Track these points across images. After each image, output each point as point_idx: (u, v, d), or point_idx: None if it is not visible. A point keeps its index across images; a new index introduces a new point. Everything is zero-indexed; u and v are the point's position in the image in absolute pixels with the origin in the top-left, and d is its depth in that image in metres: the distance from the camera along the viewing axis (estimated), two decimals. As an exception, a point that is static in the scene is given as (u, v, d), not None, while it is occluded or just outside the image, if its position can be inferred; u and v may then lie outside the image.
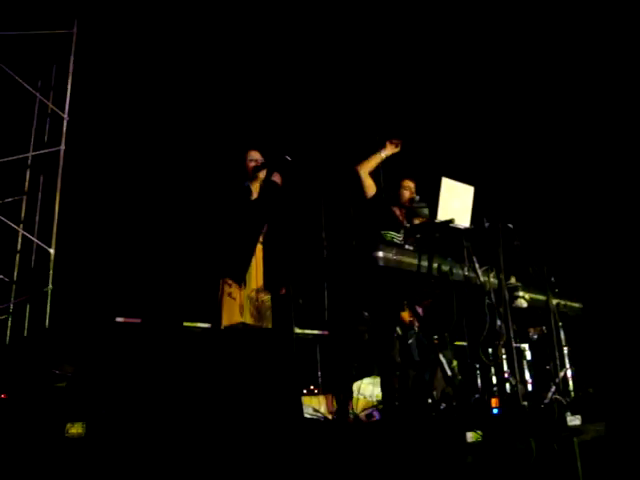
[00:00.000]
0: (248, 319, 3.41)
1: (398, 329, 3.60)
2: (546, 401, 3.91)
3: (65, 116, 5.54)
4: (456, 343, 4.11)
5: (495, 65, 7.05)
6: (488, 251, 3.75)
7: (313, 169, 7.04)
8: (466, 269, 3.57)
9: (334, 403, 5.36)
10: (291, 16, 6.31)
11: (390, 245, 3.24)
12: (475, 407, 3.63)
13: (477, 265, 3.60)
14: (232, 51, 6.26)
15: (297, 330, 5.46)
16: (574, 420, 3.28)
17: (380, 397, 4.26)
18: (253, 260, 3.50)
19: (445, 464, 2.65)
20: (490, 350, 3.99)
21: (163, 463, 2.63)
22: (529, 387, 4.54)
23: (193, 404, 3.37)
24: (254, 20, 6.20)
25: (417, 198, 3.93)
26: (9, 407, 3.60)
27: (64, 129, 5.53)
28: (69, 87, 5.56)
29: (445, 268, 3.40)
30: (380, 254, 3.13)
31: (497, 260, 3.63)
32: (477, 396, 4.16)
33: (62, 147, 5.48)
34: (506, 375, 3.75)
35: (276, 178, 3.62)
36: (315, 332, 6.08)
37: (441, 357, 3.51)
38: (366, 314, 3.64)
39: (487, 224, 3.77)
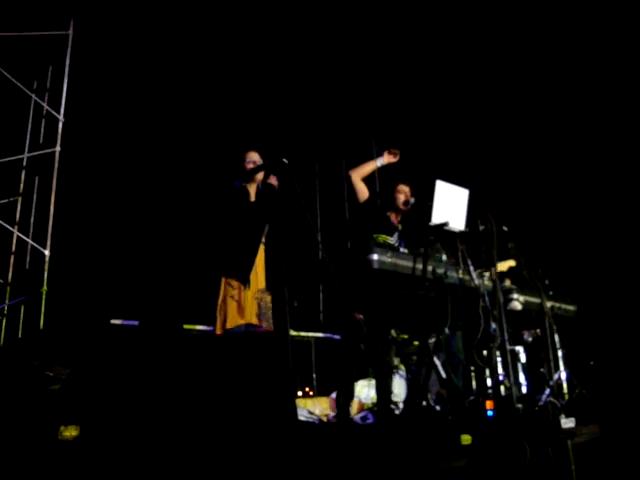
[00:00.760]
0: (253, 319, 3.40)
1: (393, 332, 3.61)
2: (540, 404, 3.92)
3: (60, 117, 5.53)
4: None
5: (489, 69, 7.07)
6: (483, 254, 3.76)
7: (309, 172, 7.06)
8: (461, 272, 3.58)
9: (326, 405, 5.36)
10: (291, 18, 6.32)
11: (385, 248, 3.24)
12: (470, 410, 3.64)
13: (472, 268, 3.61)
14: (229, 51, 6.27)
15: (292, 332, 5.46)
16: (568, 422, 3.29)
17: (375, 399, 4.27)
18: (257, 261, 3.50)
19: (439, 466, 2.65)
20: (485, 352, 4.00)
21: (158, 466, 2.63)
22: (523, 389, 4.55)
23: (188, 407, 3.36)
24: (253, 21, 6.21)
25: (412, 201, 3.94)
26: (2, 409, 3.58)
27: (59, 130, 5.52)
28: (65, 88, 5.54)
29: (440, 271, 3.41)
30: (375, 257, 3.14)
31: (492, 263, 3.64)
32: (472, 398, 4.17)
33: (57, 148, 5.46)
34: (500, 378, 3.75)
35: (272, 181, 3.62)
36: (310, 334, 6.09)
37: (435, 359, 3.51)
38: (361, 316, 3.64)
39: (482, 227, 3.78)
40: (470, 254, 3.69)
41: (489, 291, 3.64)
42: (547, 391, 4.06)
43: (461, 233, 3.65)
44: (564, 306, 4.64)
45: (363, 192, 3.99)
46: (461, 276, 3.56)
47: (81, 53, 5.56)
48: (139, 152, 5.71)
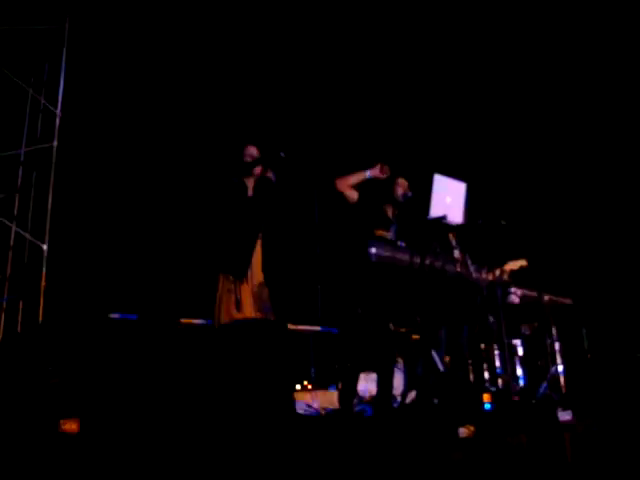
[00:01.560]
0: (253, 314, 3.40)
1: (391, 325, 3.62)
2: (538, 397, 3.94)
3: (58, 112, 5.51)
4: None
5: (486, 62, 7.06)
6: (481, 247, 3.78)
7: (307, 166, 7.05)
8: (459, 265, 3.59)
9: (324, 399, 5.37)
10: (288, 13, 6.30)
11: (383, 242, 3.25)
12: (467, 402, 3.66)
13: (470, 261, 3.63)
14: (227, 45, 6.24)
15: (291, 326, 5.48)
16: (565, 415, 3.31)
17: (372, 393, 4.29)
18: (254, 255, 3.50)
19: (437, 459, 2.67)
20: (483, 346, 4.02)
21: (157, 459, 2.64)
22: (521, 383, 4.58)
23: (186, 401, 3.37)
24: (250, 15, 6.18)
25: (410, 195, 3.95)
26: (2, 403, 3.59)
27: (57, 125, 5.50)
28: (61, 83, 5.52)
29: (438, 264, 3.43)
30: (373, 251, 3.15)
31: (490, 256, 3.66)
32: (470, 391, 4.19)
33: (55, 143, 5.44)
34: (498, 371, 3.78)
35: (270, 175, 3.62)
36: (308, 328, 6.10)
37: (433, 353, 3.53)
38: (359, 310, 3.65)
39: (480, 220, 3.80)
40: (472, 248, 3.71)
41: (487, 285, 3.65)
42: (544, 384, 4.09)
43: (459, 227, 3.66)
44: (562, 300, 4.67)
45: (352, 197, 3.93)
46: (459, 270, 3.57)
47: (78, 48, 5.53)
48: (137, 147, 5.70)
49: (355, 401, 4.31)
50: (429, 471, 2.57)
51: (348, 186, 3.91)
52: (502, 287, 3.95)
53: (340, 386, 3.92)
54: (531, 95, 7.23)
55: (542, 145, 7.34)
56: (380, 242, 3.25)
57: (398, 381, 4.36)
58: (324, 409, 4.86)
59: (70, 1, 5.52)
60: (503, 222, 4.08)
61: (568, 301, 4.75)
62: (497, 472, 2.75)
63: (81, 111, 5.58)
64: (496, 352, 3.80)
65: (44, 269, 5.18)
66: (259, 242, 3.55)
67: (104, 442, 2.92)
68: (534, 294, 4.26)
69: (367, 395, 4.64)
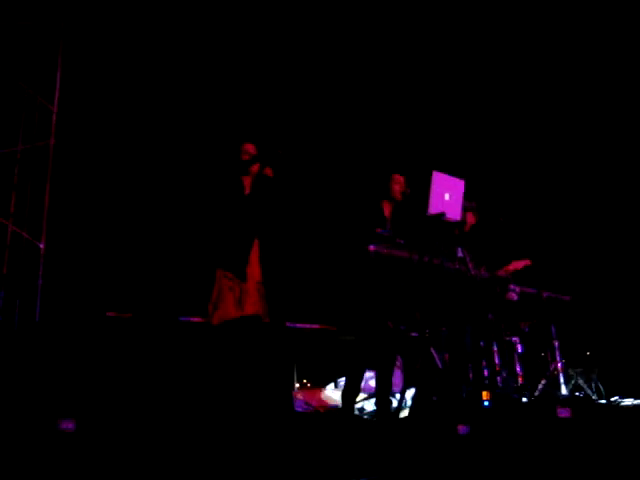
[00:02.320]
0: (252, 311, 3.39)
1: (390, 322, 3.60)
2: (537, 393, 3.94)
3: (54, 109, 5.48)
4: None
5: (484, 59, 7.05)
6: (480, 244, 3.77)
7: (306, 163, 7.03)
8: (458, 263, 3.59)
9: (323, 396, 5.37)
10: (286, 11, 6.27)
11: (382, 239, 3.24)
12: (466, 400, 3.65)
13: (468, 258, 3.61)
14: (224, 42, 6.22)
15: (289, 324, 5.46)
16: (564, 412, 3.31)
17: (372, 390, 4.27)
18: (253, 254, 3.48)
19: (437, 455, 2.66)
20: (482, 343, 4.02)
21: (154, 457, 2.62)
22: (520, 380, 4.58)
23: (184, 399, 3.36)
24: (247, 13, 6.16)
25: (408, 192, 3.93)
26: (-1, 402, 3.57)
27: (53, 123, 5.47)
28: (58, 80, 5.49)
29: (437, 261, 3.41)
30: (372, 248, 3.14)
31: (490, 254, 3.65)
32: (469, 389, 4.19)
33: (51, 141, 5.42)
34: (497, 368, 3.77)
35: (268, 172, 3.60)
36: (307, 326, 6.09)
37: (432, 351, 3.52)
38: (358, 308, 3.64)
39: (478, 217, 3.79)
40: (471, 246, 3.70)
41: (486, 282, 3.65)
42: (543, 381, 4.09)
43: (458, 223, 3.65)
44: (561, 297, 4.67)
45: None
46: (458, 267, 3.56)
47: (74, 44, 5.50)
48: (134, 144, 5.68)
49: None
50: (428, 468, 2.56)
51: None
52: (501, 284, 3.94)
53: (344, 386, 3.90)
54: (530, 92, 7.23)
55: (541, 142, 7.33)
56: (379, 239, 3.23)
57: (397, 379, 4.35)
58: (322, 407, 4.85)
59: (66, -2, 5.49)
60: (501, 219, 4.07)
61: (567, 298, 4.74)
62: (496, 469, 2.74)
63: (78, 108, 5.55)
64: (495, 349, 3.79)
65: (41, 267, 5.16)
66: (257, 240, 3.54)
67: (101, 440, 2.91)
68: (533, 291, 4.25)
69: (366, 392, 4.63)
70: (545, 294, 4.43)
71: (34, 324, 4.98)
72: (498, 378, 3.82)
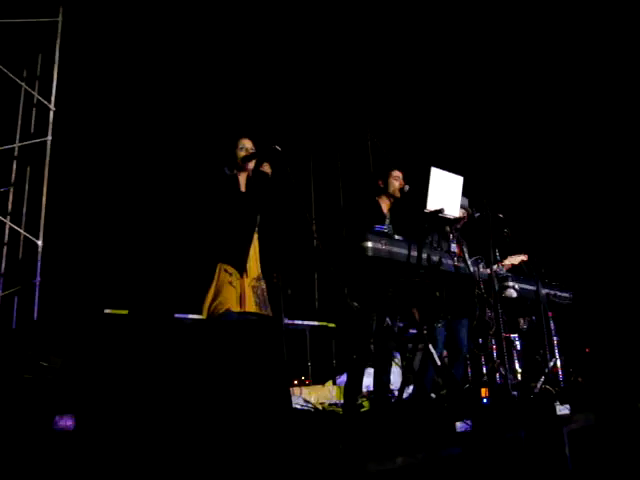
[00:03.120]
0: (253, 308, 3.37)
1: (387, 319, 3.59)
2: (535, 391, 3.93)
3: (51, 106, 5.46)
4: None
5: (483, 56, 7.03)
6: (478, 241, 3.75)
7: (303, 159, 7.03)
8: (456, 259, 3.57)
9: (321, 393, 5.36)
10: (282, 7, 6.25)
11: (379, 235, 3.22)
12: (465, 397, 3.64)
13: (467, 255, 3.60)
14: (221, 38, 6.20)
15: (287, 320, 5.45)
16: (563, 409, 3.30)
17: (370, 388, 4.27)
18: (252, 249, 3.47)
19: (435, 453, 2.65)
20: (480, 340, 4.00)
21: (152, 455, 2.62)
22: (519, 377, 4.57)
23: (181, 396, 3.35)
24: (244, 10, 6.14)
25: (407, 188, 3.91)
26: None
27: (50, 119, 5.45)
28: (55, 77, 5.47)
29: (435, 258, 3.40)
30: (369, 244, 3.12)
31: (487, 250, 3.63)
32: (467, 386, 4.18)
33: (49, 138, 5.40)
34: (496, 365, 3.76)
35: (266, 168, 3.57)
36: (305, 323, 6.08)
37: (431, 348, 3.50)
38: (356, 304, 3.63)
39: (477, 214, 3.77)
40: (469, 241, 3.69)
41: (484, 278, 3.63)
42: (542, 378, 4.07)
43: (456, 220, 3.63)
44: (559, 293, 4.65)
45: None
46: (456, 263, 3.55)
47: (71, 40, 5.48)
48: (131, 140, 5.66)
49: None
50: (427, 465, 2.55)
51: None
52: (500, 281, 3.93)
53: (345, 384, 3.89)
54: (528, 88, 7.21)
55: (541, 138, 7.32)
56: (376, 235, 3.21)
57: (395, 376, 4.34)
58: (321, 404, 4.85)
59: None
60: (500, 215, 4.05)
61: (566, 295, 4.73)
62: (495, 467, 2.73)
63: (75, 105, 5.53)
64: (494, 346, 3.78)
65: (39, 265, 5.15)
66: (255, 236, 3.52)
67: (99, 438, 2.90)
68: (532, 288, 4.24)
69: (364, 390, 4.62)
70: (544, 291, 4.42)
71: (32, 322, 4.97)
72: (497, 375, 3.80)
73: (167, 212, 5.49)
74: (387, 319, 3.60)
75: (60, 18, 5.46)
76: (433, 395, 3.82)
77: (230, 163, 3.50)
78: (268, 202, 3.57)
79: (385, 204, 4.00)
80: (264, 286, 3.48)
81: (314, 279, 7.15)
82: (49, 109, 5.46)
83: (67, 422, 3.25)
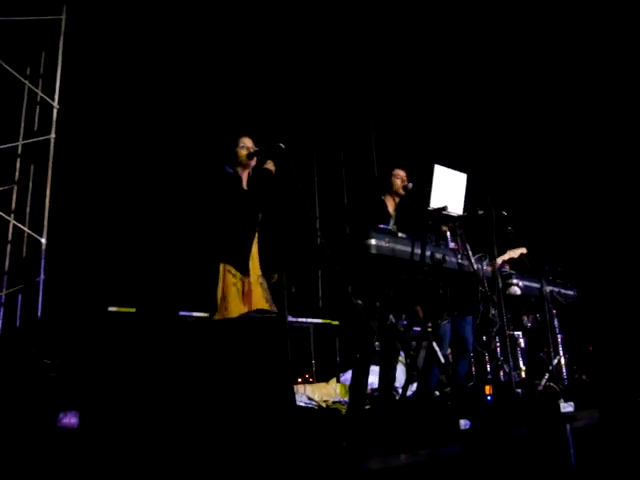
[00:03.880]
0: (262, 304, 3.38)
1: (391, 317, 3.59)
2: (540, 388, 3.92)
3: (55, 104, 5.47)
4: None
5: (487, 53, 7.01)
6: (482, 238, 3.74)
7: (307, 157, 7.02)
8: (459, 257, 3.56)
9: (325, 391, 5.36)
10: (283, 6, 6.24)
11: (383, 233, 3.21)
12: (469, 394, 3.64)
13: (470, 252, 3.59)
14: (223, 37, 6.19)
15: (291, 318, 5.46)
16: (567, 407, 3.29)
17: (375, 385, 4.27)
18: (255, 248, 3.47)
19: (438, 450, 2.65)
20: (484, 338, 4.00)
21: (155, 453, 2.62)
22: (523, 374, 4.56)
23: (187, 393, 3.35)
24: (245, 8, 6.13)
25: (410, 186, 3.90)
26: (1, 397, 3.58)
27: (54, 117, 5.46)
28: (58, 74, 5.47)
29: (438, 256, 3.39)
30: (373, 242, 3.11)
31: (491, 247, 3.62)
32: (471, 383, 4.18)
33: (52, 135, 5.40)
34: (500, 362, 3.75)
35: (270, 166, 3.57)
36: (309, 320, 6.08)
37: (434, 345, 3.50)
38: (360, 302, 3.62)
39: (481, 211, 3.76)
40: (469, 239, 3.67)
41: (488, 276, 3.62)
42: (546, 376, 4.07)
43: (460, 218, 3.62)
44: (564, 291, 4.64)
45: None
46: (460, 261, 3.54)
47: (74, 38, 5.48)
48: (134, 139, 5.66)
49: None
50: (430, 463, 2.55)
51: None
52: (504, 278, 3.92)
53: (351, 382, 3.89)
54: (532, 85, 7.18)
55: (547, 135, 7.29)
56: (380, 233, 3.21)
57: (399, 374, 4.34)
58: (325, 401, 4.85)
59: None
60: (504, 213, 4.04)
61: (571, 292, 4.72)
62: (499, 464, 2.73)
63: (79, 103, 5.53)
64: (498, 344, 3.77)
65: (43, 263, 5.16)
66: (256, 234, 3.52)
67: (103, 435, 2.91)
68: (536, 285, 4.23)
69: (368, 388, 4.62)
70: (548, 288, 4.41)
71: (36, 319, 4.98)
72: (501, 372, 3.80)
73: (170, 210, 5.49)
74: (391, 317, 3.60)
75: (63, 16, 5.46)
76: (437, 393, 3.82)
77: (231, 161, 3.50)
78: (270, 200, 3.57)
79: (390, 202, 4.00)
80: (267, 283, 3.48)
81: (318, 277, 7.16)
82: (52, 107, 5.46)
83: (71, 419, 3.26)
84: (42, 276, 5.10)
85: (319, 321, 6.21)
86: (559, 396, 3.42)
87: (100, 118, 5.52)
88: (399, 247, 3.24)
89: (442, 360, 3.55)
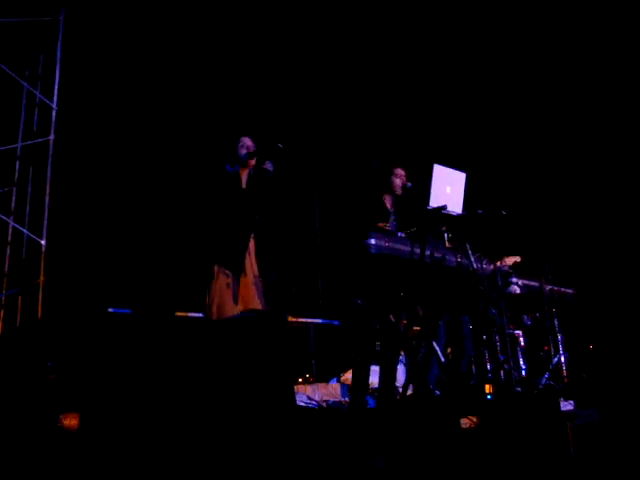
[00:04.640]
0: (255, 304, 3.37)
1: (391, 317, 3.59)
2: (540, 387, 3.92)
3: (54, 106, 5.47)
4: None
5: (485, 52, 7.01)
6: (481, 238, 3.74)
7: (306, 157, 7.02)
8: (459, 256, 3.56)
9: (326, 391, 5.36)
10: (283, 5, 6.24)
11: (382, 233, 3.22)
12: (469, 393, 3.64)
13: (470, 252, 3.59)
14: (222, 37, 6.19)
15: (291, 318, 5.46)
16: (567, 405, 3.29)
17: (374, 385, 4.27)
18: (252, 248, 3.47)
19: (440, 449, 2.65)
20: (484, 336, 4.00)
21: (155, 453, 2.62)
22: (523, 373, 4.56)
23: (186, 393, 3.35)
24: (245, 7, 6.13)
25: (409, 185, 3.91)
26: (1, 399, 3.58)
27: (53, 119, 5.46)
28: (57, 76, 5.47)
29: (438, 255, 3.39)
30: (372, 241, 3.12)
31: (490, 246, 3.63)
32: (471, 382, 4.17)
33: (51, 137, 5.41)
34: (500, 361, 3.75)
35: (268, 166, 3.57)
36: (309, 320, 6.08)
37: (434, 344, 3.50)
38: (360, 302, 3.63)
39: (480, 211, 3.76)
40: (468, 238, 3.68)
41: (488, 275, 3.62)
42: (546, 374, 4.07)
43: (459, 217, 3.62)
44: (563, 290, 4.64)
45: None
46: (460, 260, 3.54)
47: (73, 40, 5.48)
48: (133, 140, 5.66)
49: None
50: (431, 461, 2.56)
51: None
52: (503, 277, 3.92)
53: (352, 381, 3.89)
54: (531, 84, 7.18)
55: (545, 134, 7.29)
56: (379, 233, 3.21)
57: (399, 373, 4.33)
58: (325, 401, 4.84)
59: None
60: (503, 212, 4.04)
61: (570, 291, 4.72)
62: (499, 462, 2.73)
63: (77, 104, 5.53)
64: (498, 343, 3.77)
65: (42, 264, 5.16)
66: (253, 234, 3.52)
67: (103, 437, 2.91)
68: (536, 284, 4.23)
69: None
70: (548, 287, 4.41)
71: (36, 321, 4.98)
72: (501, 371, 3.80)
73: (169, 210, 5.49)
74: (391, 316, 3.60)
75: (62, 17, 5.46)
76: (437, 392, 3.82)
77: (231, 160, 3.50)
78: (269, 200, 3.57)
79: (390, 202, 4.00)
80: (262, 285, 3.48)
81: (318, 277, 7.15)
82: (51, 108, 5.47)
83: (71, 421, 3.25)
84: (42, 278, 5.11)
85: (319, 321, 6.21)
86: (559, 395, 3.42)
87: (99, 119, 5.51)
88: (399, 247, 3.25)
89: (442, 359, 3.55)
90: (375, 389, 4.32)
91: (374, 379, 4.11)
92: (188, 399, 3.23)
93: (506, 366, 3.60)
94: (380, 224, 3.90)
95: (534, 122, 7.35)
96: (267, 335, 3.35)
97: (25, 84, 5.50)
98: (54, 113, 5.45)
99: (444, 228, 3.94)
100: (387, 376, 3.77)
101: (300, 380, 5.71)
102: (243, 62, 6.32)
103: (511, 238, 4.31)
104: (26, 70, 5.56)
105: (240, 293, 3.32)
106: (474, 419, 2.84)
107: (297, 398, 4.28)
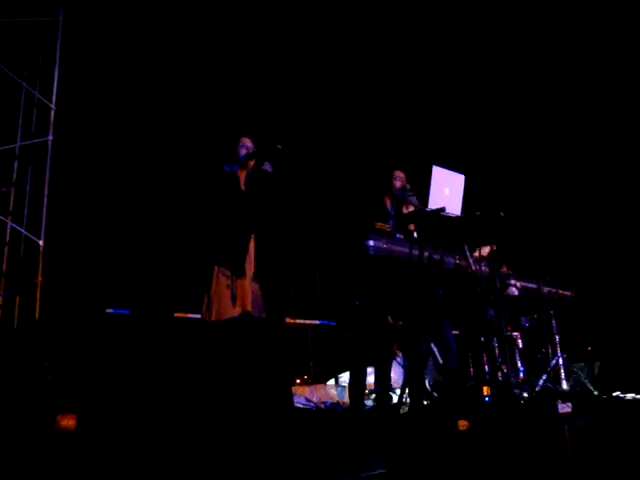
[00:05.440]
0: (249, 307, 3.36)
1: (389, 318, 3.59)
2: (537, 389, 3.93)
3: (52, 106, 5.46)
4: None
5: (484, 54, 7.02)
6: (480, 239, 3.75)
7: (305, 159, 7.02)
8: (457, 258, 3.57)
9: (324, 392, 5.35)
10: (283, 6, 6.24)
11: (381, 234, 3.22)
12: (467, 395, 3.64)
13: (468, 254, 3.59)
14: (222, 38, 6.19)
15: (289, 320, 5.45)
16: (565, 407, 3.29)
17: (371, 386, 4.26)
18: (251, 250, 3.46)
19: (436, 451, 2.65)
20: (482, 338, 4.00)
21: (153, 454, 2.62)
22: (521, 375, 4.57)
23: (184, 395, 3.35)
24: (244, 8, 6.13)
25: (408, 187, 3.91)
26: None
27: (52, 119, 5.45)
28: (56, 76, 5.47)
29: (436, 257, 3.40)
30: (371, 243, 3.12)
31: (496, 250, 3.63)
32: (469, 384, 4.17)
33: (50, 137, 5.40)
34: (498, 363, 3.75)
35: (267, 167, 3.57)
36: (307, 322, 6.08)
37: (433, 346, 3.50)
38: (357, 303, 3.63)
39: (478, 212, 3.77)
40: (467, 240, 3.68)
41: (486, 277, 3.63)
42: (544, 376, 4.08)
43: (458, 219, 3.62)
44: (561, 292, 4.65)
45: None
46: (458, 262, 3.54)
47: (72, 40, 5.47)
48: (132, 140, 5.66)
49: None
50: (428, 463, 2.55)
51: None
52: (501, 279, 3.93)
53: (349, 382, 3.89)
54: (529, 87, 7.19)
55: (542, 136, 7.30)
56: (378, 234, 3.21)
57: (397, 374, 4.34)
58: (323, 403, 4.84)
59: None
60: (502, 214, 4.04)
61: (568, 293, 4.73)
62: (497, 465, 2.73)
63: (76, 104, 5.52)
64: (496, 345, 3.78)
65: (40, 264, 5.15)
66: (253, 236, 3.51)
67: (101, 438, 2.90)
68: (534, 286, 4.24)
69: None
70: (546, 289, 4.42)
71: (34, 322, 4.97)
72: (499, 373, 3.80)
73: (168, 210, 5.49)
74: (388, 317, 3.60)
75: (61, 17, 5.45)
76: (435, 394, 3.82)
77: (230, 161, 3.50)
78: (268, 201, 3.57)
79: (389, 203, 4.00)
80: (258, 287, 3.47)
81: (316, 278, 7.15)
82: (50, 108, 5.46)
83: (69, 422, 3.24)
84: (40, 278, 5.10)
85: (317, 322, 6.21)
86: (557, 397, 3.42)
87: (98, 119, 5.51)
88: (397, 248, 3.25)
89: (440, 360, 3.55)
90: (372, 391, 4.32)
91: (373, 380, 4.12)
92: (186, 400, 3.23)
93: (504, 368, 3.60)
94: (379, 224, 3.90)
95: (533, 124, 7.36)
96: (265, 336, 3.35)
97: (24, 84, 5.49)
98: (53, 113, 5.44)
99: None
100: (383, 377, 3.77)
101: (298, 381, 5.71)
102: (243, 63, 6.32)
103: (510, 240, 4.31)
104: (25, 70, 5.55)
105: (238, 294, 3.31)
106: (466, 422, 2.84)
107: (295, 400, 4.28)
